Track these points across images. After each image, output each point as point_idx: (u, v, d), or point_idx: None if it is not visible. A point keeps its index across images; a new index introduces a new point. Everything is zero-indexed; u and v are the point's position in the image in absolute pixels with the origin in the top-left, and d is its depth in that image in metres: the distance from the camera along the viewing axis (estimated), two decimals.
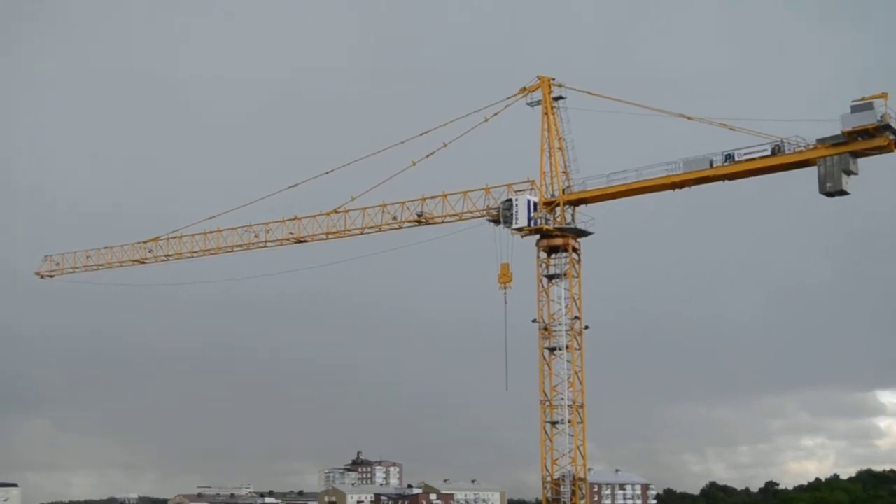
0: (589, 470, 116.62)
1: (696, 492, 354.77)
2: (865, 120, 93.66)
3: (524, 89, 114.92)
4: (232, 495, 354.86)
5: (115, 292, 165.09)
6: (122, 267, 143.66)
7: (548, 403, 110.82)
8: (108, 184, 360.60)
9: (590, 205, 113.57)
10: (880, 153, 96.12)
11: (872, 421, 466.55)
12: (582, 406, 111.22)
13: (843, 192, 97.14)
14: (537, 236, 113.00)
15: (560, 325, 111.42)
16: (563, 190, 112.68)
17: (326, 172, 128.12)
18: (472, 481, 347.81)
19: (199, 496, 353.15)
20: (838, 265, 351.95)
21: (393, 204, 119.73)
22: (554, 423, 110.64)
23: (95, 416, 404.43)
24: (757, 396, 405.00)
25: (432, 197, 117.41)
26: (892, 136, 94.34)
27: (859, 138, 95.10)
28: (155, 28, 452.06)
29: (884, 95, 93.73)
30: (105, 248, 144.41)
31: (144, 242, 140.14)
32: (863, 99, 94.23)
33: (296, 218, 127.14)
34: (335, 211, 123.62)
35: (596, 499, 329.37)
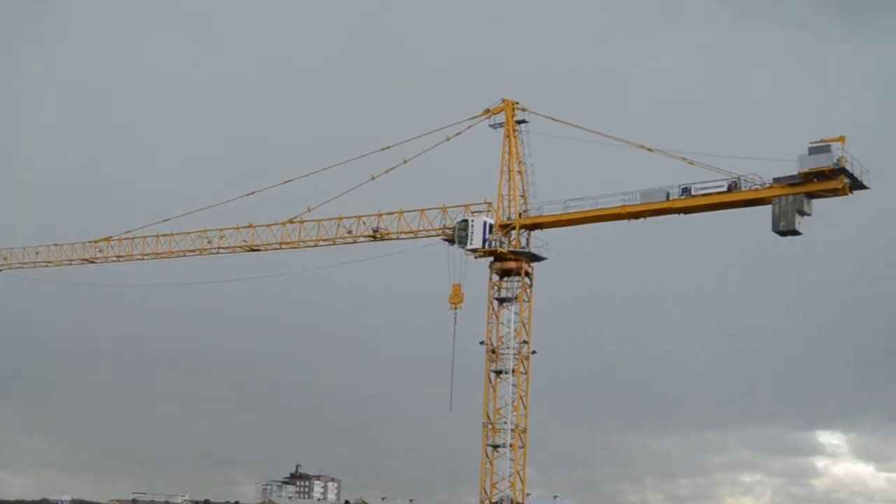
0: (527, 495, 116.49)
1: None
2: (822, 162, 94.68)
3: (488, 111, 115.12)
4: (167, 502, 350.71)
5: (62, 289, 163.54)
6: (70, 265, 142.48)
7: (490, 426, 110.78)
8: (64, 178, 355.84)
9: (545, 230, 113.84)
10: (835, 195, 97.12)
11: (810, 460, 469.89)
12: (525, 431, 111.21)
13: (795, 232, 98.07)
14: (491, 258, 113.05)
15: (507, 348, 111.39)
16: (520, 214, 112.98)
17: (285, 181, 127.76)
18: (410, 501, 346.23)
19: (134, 501, 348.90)
20: (788, 305, 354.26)
21: (349, 217, 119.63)
22: (496, 447, 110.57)
23: (32, 414, 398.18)
24: (700, 430, 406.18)
25: (389, 213, 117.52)
26: (847, 180, 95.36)
27: (815, 180, 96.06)
28: (116, 20, 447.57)
29: (841, 139, 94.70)
30: (55, 245, 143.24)
31: (95, 242, 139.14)
32: (821, 141, 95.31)
33: (250, 226, 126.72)
34: (290, 221, 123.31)
35: None
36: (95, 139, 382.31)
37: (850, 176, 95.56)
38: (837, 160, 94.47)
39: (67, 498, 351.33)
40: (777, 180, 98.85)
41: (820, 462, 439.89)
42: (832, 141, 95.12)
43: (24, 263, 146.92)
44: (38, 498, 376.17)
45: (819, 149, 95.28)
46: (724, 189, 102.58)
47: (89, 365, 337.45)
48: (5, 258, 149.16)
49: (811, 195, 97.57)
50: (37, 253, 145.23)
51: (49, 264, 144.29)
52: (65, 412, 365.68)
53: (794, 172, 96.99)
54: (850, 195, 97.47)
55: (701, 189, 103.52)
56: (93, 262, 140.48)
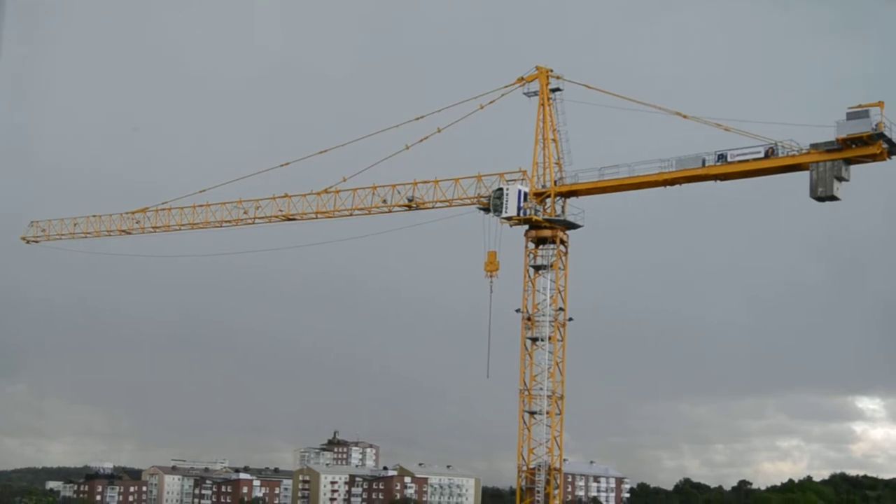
0: (564, 461, 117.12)
1: (670, 487, 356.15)
2: (860, 128, 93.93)
3: (522, 79, 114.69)
4: (206, 469, 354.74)
5: (101, 261, 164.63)
6: (109, 236, 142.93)
7: (527, 393, 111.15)
8: (101, 152, 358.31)
9: (580, 198, 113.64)
10: (873, 161, 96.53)
11: (849, 425, 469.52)
12: (561, 397, 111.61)
13: (833, 198, 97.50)
14: (526, 226, 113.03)
15: (544, 315, 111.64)
16: (555, 182, 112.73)
17: (320, 152, 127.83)
18: (448, 466, 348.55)
19: (174, 468, 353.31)
20: (824, 269, 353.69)
21: (384, 187, 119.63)
22: (532, 413, 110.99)
23: (75, 384, 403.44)
24: (735, 396, 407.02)
25: (424, 182, 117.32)
26: (885, 145, 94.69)
27: (853, 145, 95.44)
28: (152, 1, 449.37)
29: (880, 104, 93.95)
30: (93, 216, 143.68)
31: (132, 213, 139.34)
32: (859, 106, 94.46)
33: (286, 196, 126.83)
34: (326, 191, 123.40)
35: (570, 489, 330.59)
36: (131, 118, 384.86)
37: (889, 141, 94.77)
38: (876, 125, 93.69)
39: (109, 465, 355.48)
40: (814, 146, 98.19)
41: (858, 427, 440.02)
42: (870, 106, 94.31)
43: (62, 234, 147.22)
44: (80, 465, 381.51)
45: (857, 114, 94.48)
46: (761, 155, 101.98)
47: (130, 338, 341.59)
48: (43, 230, 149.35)
49: (849, 161, 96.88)
50: (75, 224, 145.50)
51: (87, 235, 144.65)
52: (106, 383, 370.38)
53: (832, 138, 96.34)
54: (888, 160, 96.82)
55: (737, 155, 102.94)
56: (130, 233, 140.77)
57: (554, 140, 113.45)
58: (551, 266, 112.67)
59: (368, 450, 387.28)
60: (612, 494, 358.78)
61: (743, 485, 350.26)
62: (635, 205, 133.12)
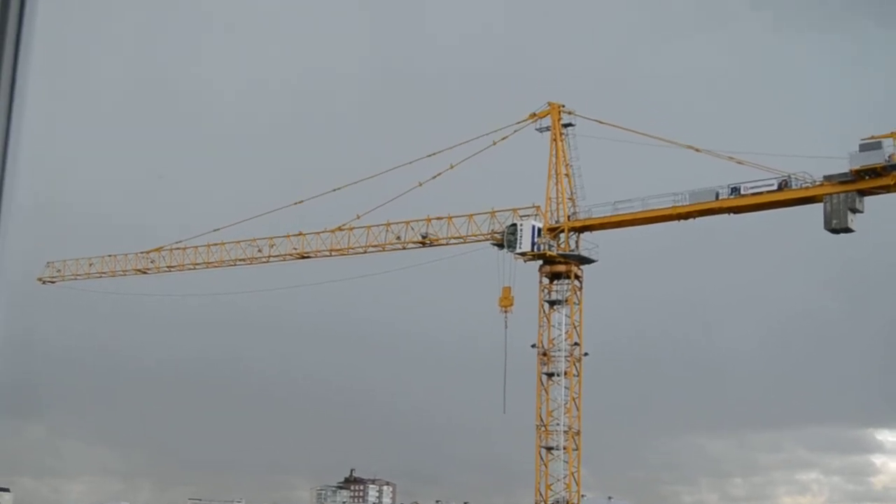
0: (582, 497, 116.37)
1: None
2: (873, 159, 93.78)
3: (534, 115, 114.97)
4: None
5: (117, 301, 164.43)
6: (124, 276, 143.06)
7: (544, 429, 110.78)
8: (115, 191, 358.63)
9: (594, 232, 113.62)
10: (886, 192, 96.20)
11: (868, 458, 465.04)
12: (578, 433, 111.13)
13: (848, 230, 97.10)
14: (540, 262, 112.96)
15: (559, 350, 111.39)
16: (569, 217, 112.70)
17: (334, 189, 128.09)
18: (465, 503, 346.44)
19: None
20: (840, 302, 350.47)
21: (397, 223, 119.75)
22: (549, 449, 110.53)
23: (91, 424, 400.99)
24: (755, 430, 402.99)
25: (437, 218, 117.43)
26: None
27: (867, 177, 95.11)
28: (162, 38, 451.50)
29: (893, 135, 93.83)
30: (108, 255, 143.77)
31: (147, 252, 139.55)
32: (872, 138, 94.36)
33: (300, 234, 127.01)
34: (339, 228, 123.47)
35: None
36: (143, 157, 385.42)
37: None
38: (889, 157, 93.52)
39: None
40: (828, 178, 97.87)
41: (878, 459, 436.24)
42: (883, 137, 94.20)
43: (78, 275, 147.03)
44: None
45: (870, 145, 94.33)
46: (775, 188, 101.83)
47: (146, 378, 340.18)
48: (59, 270, 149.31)
49: (863, 192, 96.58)
50: (90, 264, 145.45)
51: (102, 275, 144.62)
52: (123, 422, 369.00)
53: (846, 170, 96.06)
54: None
55: (750, 188, 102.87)
56: (145, 272, 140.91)
57: (567, 175, 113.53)
58: (566, 301, 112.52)
59: (385, 487, 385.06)
60: None
61: None
62: (649, 239, 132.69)
